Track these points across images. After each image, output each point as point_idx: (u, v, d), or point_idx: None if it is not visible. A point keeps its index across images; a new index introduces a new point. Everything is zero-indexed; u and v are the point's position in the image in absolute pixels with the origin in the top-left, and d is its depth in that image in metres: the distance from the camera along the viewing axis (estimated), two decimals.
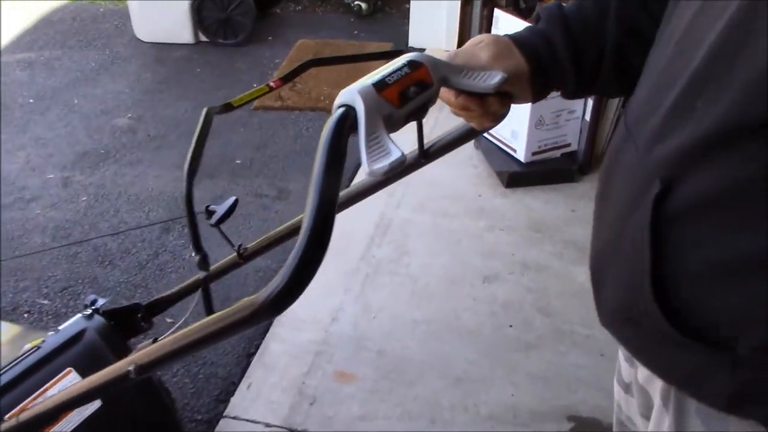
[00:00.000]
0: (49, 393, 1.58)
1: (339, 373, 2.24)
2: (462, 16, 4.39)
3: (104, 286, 2.65)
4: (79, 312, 1.72)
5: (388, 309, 2.47)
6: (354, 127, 0.74)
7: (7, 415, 1.35)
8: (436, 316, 2.44)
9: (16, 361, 1.59)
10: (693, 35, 0.67)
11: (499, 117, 0.95)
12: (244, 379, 2.23)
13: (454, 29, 4.42)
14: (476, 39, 0.89)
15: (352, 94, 0.74)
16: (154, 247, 2.85)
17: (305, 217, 0.67)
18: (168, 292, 1.74)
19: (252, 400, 2.16)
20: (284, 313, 2.48)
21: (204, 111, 0.82)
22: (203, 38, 4.77)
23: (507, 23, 3.02)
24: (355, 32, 4.95)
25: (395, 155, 0.69)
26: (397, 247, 2.77)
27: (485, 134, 3.30)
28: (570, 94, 0.93)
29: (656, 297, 0.72)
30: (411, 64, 0.79)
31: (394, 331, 2.38)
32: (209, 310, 0.82)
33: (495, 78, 0.84)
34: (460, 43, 4.44)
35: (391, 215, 2.94)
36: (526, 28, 0.91)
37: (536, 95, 0.91)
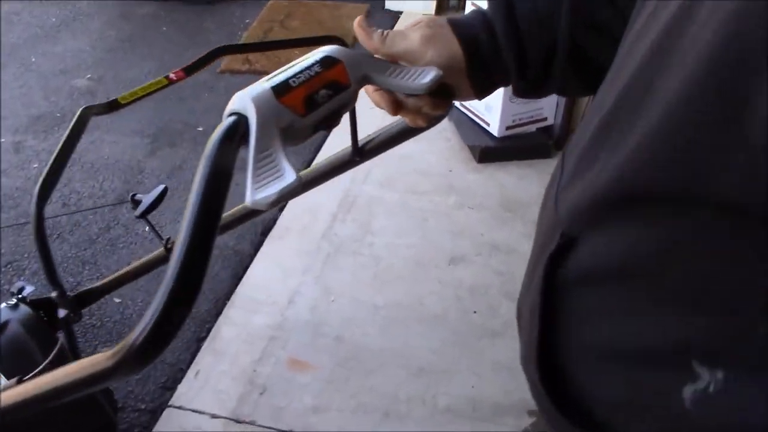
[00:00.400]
0: None
1: (293, 361, 2.13)
2: None
3: None
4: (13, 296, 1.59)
5: (349, 292, 2.35)
6: (246, 140, 0.61)
7: None
8: (399, 301, 2.33)
9: None
10: (630, 54, 0.54)
11: (436, 117, 0.82)
12: (192, 366, 2.12)
13: None
14: (413, 20, 0.76)
15: (244, 100, 0.61)
16: (106, 220, 2.71)
17: (177, 245, 0.55)
18: (98, 283, 1.61)
19: (199, 388, 2.05)
20: (240, 294, 2.38)
21: (79, 111, 0.68)
22: None
23: None
24: None
25: (287, 180, 0.56)
26: (362, 225, 2.64)
27: (458, 106, 3.16)
28: (519, 92, 0.78)
29: (541, 374, 0.61)
30: (324, 61, 0.66)
31: (353, 317, 2.27)
32: (74, 354, 0.69)
33: (427, 76, 0.70)
34: (438, 7, 4.28)
35: (357, 191, 2.81)
36: (471, 11, 0.77)
37: (478, 90, 0.78)
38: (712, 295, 0.47)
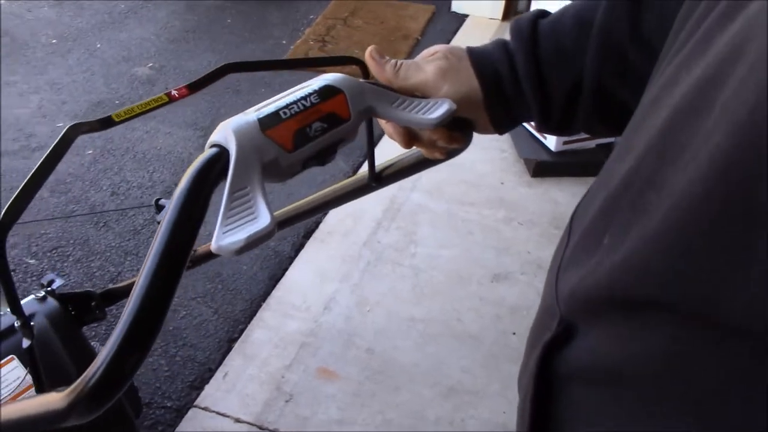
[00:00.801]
0: None
1: (322, 370, 2.09)
2: None
3: (94, 250, 2.53)
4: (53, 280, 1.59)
5: (385, 303, 2.30)
6: (225, 175, 0.56)
7: None
8: (435, 316, 2.26)
9: None
10: (640, 129, 0.47)
11: (453, 150, 0.76)
12: (221, 367, 2.10)
13: None
14: (430, 50, 0.71)
15: (226, 131, 0.56)
16: (152, 212, 2.71)
17: (137, 283, 0.51)
18: (124, 282, 1.59)
19: (226, 390, 2.02)
20: (275, 297, 2.34)
21: (66, 128, 0.64)
22: None
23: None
24: None
25: (259, 225, 0.51)
26: (405, 234, 2.58)
27: None
28: (543, 130, 0.72)
29: None
30: (324, 91, 0.60)
31: (387, 329, 2.21)
32: (40, 387, 0.66)
33: (438, 110, 0.64)
34: (506, 13, 4.18)
35: (403, 198, 2.75)
36: (494, 41, 0.71)
37: (498, 126, 0.72)
38: (716, 409, 0.40)
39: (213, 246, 0.50)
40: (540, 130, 0.73)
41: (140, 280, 0.50)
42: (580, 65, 0.65)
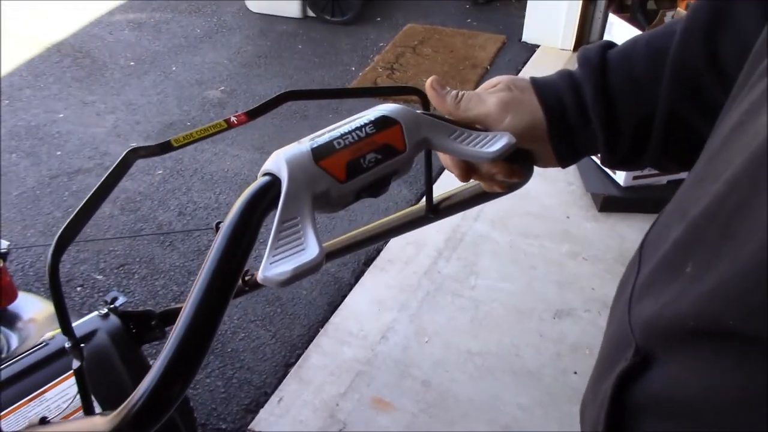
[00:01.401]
0: (48, 395, 1.49)
1: (377, 400, 2.06)
2: (583, 14, 4.06)
3: (159, 269, 2.58)
4: (117, 296, 1.62)
5: (444, 334, 2.27)
6: (276, 204, 0.55)
7: None
8: (493, 350, 2.22)
9: (21, 356, 1.51)
10: (721, 157, 0.45)
11: (512, 185, 0.74)
12: (276, 391, 2.10)
13: (572, 28, 4.09)
14: (491, 81, 0.70)
15: (279, 160, 0.56)
16: None
17: (184, 310, 0.50)
18: (183, 304, 1.61)
19: (280, 415, 2.02)
20: (333, 323, 2.35)
21: (124, 153, 0.65)
22: (311, 13, 4.65)
23: (621, 30, 2.72)
24: (468, 20, 4.68)
25: (308, 256, 0.50)
26: (466, 265, 2.55)
27: None
28: (608, 164, 0.70)
29: None
30: (379, 121, 0.59)
31: (444, 361, 2.18)
32: (87, 408, 0.67)
33: (497, 144, 0.62)
34: (577, 44, 4.14)
35: (466, 228, 2.72)
36: (559, 72, 0.69)
37: (561, 158, 0.69)
38: None
39: (260, 276, 0.50)
40: (604, 163, 0.70)
41: (187, 307, 0.50)
42: (653, 95, 0.63)
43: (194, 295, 0.50)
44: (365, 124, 0.58)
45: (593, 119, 0.66)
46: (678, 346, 0.46)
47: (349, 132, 0.58)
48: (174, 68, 4.03)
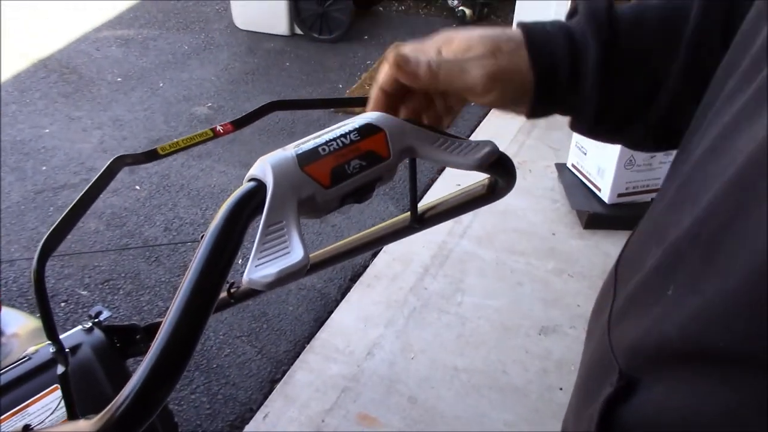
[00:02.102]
0: (31, 409, 1.48)
1: (363, 416, 2.05)
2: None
3: (144, 284, 2.57)
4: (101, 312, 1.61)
5: (430, 351, 2.27)
6: (261, 209, 0.55)
7: None
8: (480, 367, 2.22)
9: (4, 370, 1.50)
10: (697, 178, 0.45)
11: (497, 192, 0.75)
12: (262, 408, 2.09)
13: None
14: (464, 40, 0.59)
15: (264, 166, 0.56)
16: None
17: (168, 316, 0.50)
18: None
19: None
20: (320, 339, 2.33)
21: (111, 159, 0.65)
22: (298, 31, 4.67)
23: None
24: None
25: (292, 259, 0.50)
26: (452, 282, 2.55)
27: (570, 167, 3.04)
28: (578, 128, 0.64)
29: None
30: (364, 129, 0.60)
31: (431, 377, 2.18)
32: (71, 413, 0.66)
33: (480, 152, 0.62)
34: None
35: (452, 245, 2.73)
36: (556, 26, 0.60)
37: (533, 116, 0.63)
38: None
39: (245, 278, 0.50)
40: (576, 128, 0.64)
41: (171, 313, 0.50)
42: (660, 73, 0.59)
43: (179, 301, 0.50)
44: (350, 132, 0.59)
45: (588, 91, 0.59)
46: (663, 369, 0.46)
47: (334, 139, 0.58)
48: (161, 84, 4.04)
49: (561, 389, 2.15)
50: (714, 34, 0.57)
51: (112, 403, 0.51)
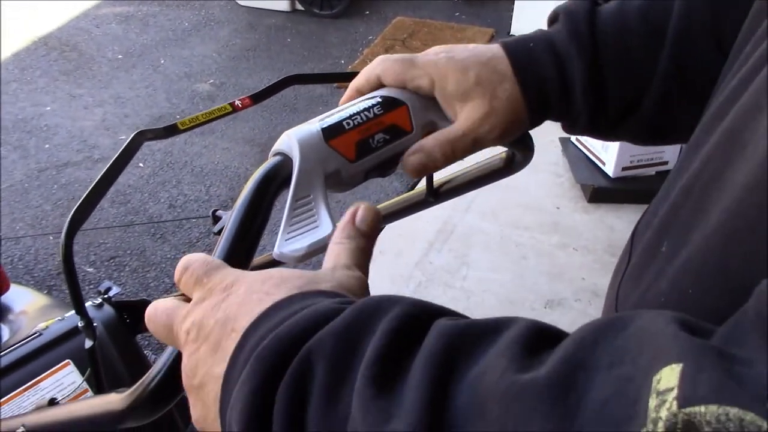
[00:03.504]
0: (43, 384, 1.49)
1: None
2: None
3: (150, 260, 2.57)
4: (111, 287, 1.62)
5: None
6: (288, 183, 0.55)
7: None
8: None
9: (15, 346, 1.51)
10: (702, 142, 0.44)
11: (515, 166, 0.75)
12: None
13: None
14: (459, 78, 0.59)
15: (290, 140, 0.56)
16: (207, 224, 2.76)
17: None
18: (179, 294, 1.61)
19: None
20: None
21: (132, 134, 0.65)
22: (299, 7, 4.64)
23: None
24: (457, 14, 4.69)
25: (321, 233, 0.51)
26: (458, 257, 2.56)
27: (574, 141, 3.03)
28: (572, 131, 0.66)
29: None
30: (386, 102, 0.60)
31: None
32: (100, 387, 0.67)
33: None
34: None
35: (456, 220, 2.73)
36: (536, 33, 0.62)
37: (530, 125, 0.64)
38: None
39: (275, 252, 0.50)
40: (570, 131, 0.66)
41: None
42: (647, 74, 0.60)
43: None
44: (373, 105, 0.59)
45: (576, 101, 0.60)
46: None
47: (358, 113, 0.58)
48: (162, 61, 4.02)
49: None
50: (698, 25, 0.57)
51: (144, 377, 0.52)
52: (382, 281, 2.45)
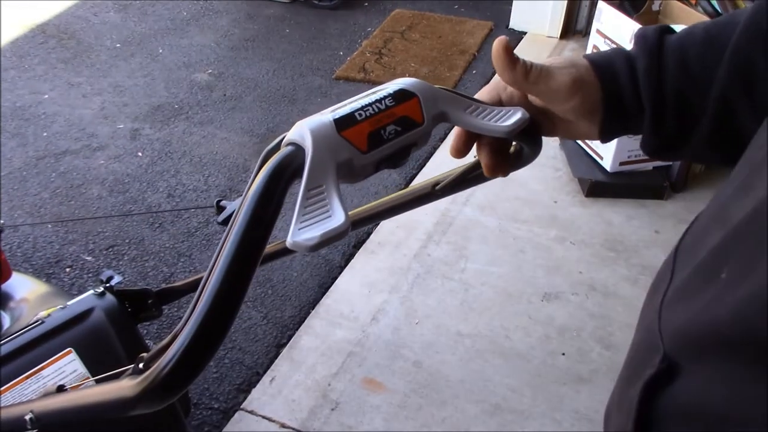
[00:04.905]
0: (45, 372, 1.50)
1: (368, 381, 2.08)
2: (570, 2, 4.08)
3: (149, 250, 2.58)
4: (110, 276, 1.62)
5: (434, 317, 2.29)
6: (301, 172, 0.56)
7: None
8: (483, 332, 2.25)
9: (17, 333, 1.51)
10: (760, 161, 0.45)
11: (522, 161, 0.76)
12: (268, 372, 2.11)
13: (560, 15, 4.10)
14: (560, 58, 0.66)
15: (303, 130, 0.57)
16: (206, 215, 2.76)
17: (213, 277, 0.51)
18: (180, 282, 1.62)
19: (272, 395, 2.04)
20: (324, 305, 2.35)
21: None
22: None
23: (610, 18, 2.74)
24: (456, 7, 4.68)
25: (334, 222, 0.51)
26: (456, 249, 2.57)
27: None
28: (650, 147, 0.67)
29: None
30: (398, 94, 0.61)
31: (435, 343, 2.20)
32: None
33: (512, 118, 0.64)
34: (564, 31, 4.16)
35: (455, 213, 2.74)
36: (613, 49, 0.68)
37: (606, 135, 0.68)
38: None
39: (288, 241, 0.51)
40: (646, 147, 0.68)
41: (214, 276, 0.51)
42: (706, 82, 0.61)
43: (222, 263, 0.51)
44: (384, 97, 0.60)
45: (643, 97, 0.64)
46: (708, 355, 0.46)
47: (370, 104, 0.59)
48: (161, 51, 4.01)
49: (563, 354, 2.18)
50: (759, 46, 0.58)
51: (156, 364, 0.52)
52: (380, 273, 2.46)
